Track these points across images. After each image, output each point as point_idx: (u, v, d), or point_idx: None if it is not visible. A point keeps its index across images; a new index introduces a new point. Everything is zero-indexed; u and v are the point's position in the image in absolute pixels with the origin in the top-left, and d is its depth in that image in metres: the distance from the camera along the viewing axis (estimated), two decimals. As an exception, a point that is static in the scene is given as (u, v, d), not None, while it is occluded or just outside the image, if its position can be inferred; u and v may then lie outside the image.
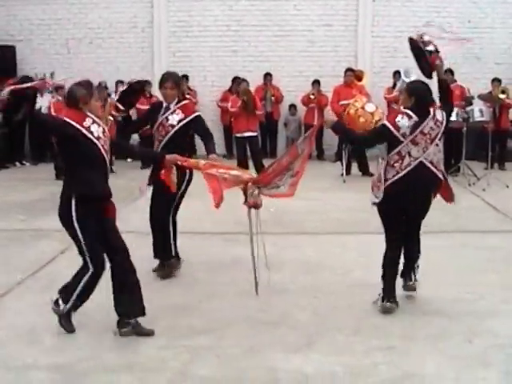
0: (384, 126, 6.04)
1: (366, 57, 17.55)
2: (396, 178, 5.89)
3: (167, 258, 7.10)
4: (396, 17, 17.49)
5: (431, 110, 6.01)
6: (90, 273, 5.46)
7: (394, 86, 15.80)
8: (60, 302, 5.52)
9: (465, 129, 13.22)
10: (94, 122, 5.28)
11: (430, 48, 6.28)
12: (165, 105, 7.05)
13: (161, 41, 17.74)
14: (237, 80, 16.51)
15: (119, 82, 16.96)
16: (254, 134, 13.17)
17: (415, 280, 6.22)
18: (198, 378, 4.64)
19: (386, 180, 5.93)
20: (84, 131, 5.21)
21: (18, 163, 16.43)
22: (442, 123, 6.00)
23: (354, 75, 14.91)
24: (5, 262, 7.54)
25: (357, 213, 9.53)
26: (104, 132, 5.36)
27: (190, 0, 17.69)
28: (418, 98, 5.97)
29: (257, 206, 6.08)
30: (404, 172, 5.89)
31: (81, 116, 5.26)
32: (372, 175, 13.34)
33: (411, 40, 6.60)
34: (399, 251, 6.10)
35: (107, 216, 5.57)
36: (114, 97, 15.81)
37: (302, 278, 6.89)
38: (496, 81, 15.12)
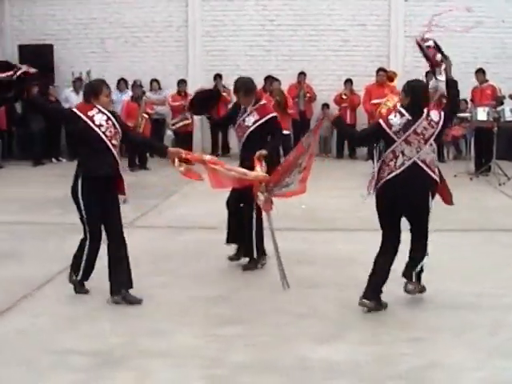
0: (378, 123, 6.13)
1: (399, 56, 17.62)
2: (390, 176, 5.93)
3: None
4: (429, 16, 17.48)
5: (425, 109, 5.96)
6: (87, 243, 6.32)
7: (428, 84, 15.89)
8: (72, 273, 6.32)
9: (496, 128, 13.28)
10: (99, 111, 6.09)
11: (429, 43, 6.50)
12: (243, 106, 7.30)
13: (195, 40, 17.96)
14: (269, 79, 16.71)
15: (154, 81, 17.28)
16: (287, 132, 13.32)
17: (416, 282, 6.06)
18: (231, 364, 4.84)
19: (381, 178, 5.99)
20: (85, 119, 6.02)
21: (54, 159, 16.80)
22: (437, 123, 5.93)
23: (386, 75, 15.05)
24: (43, 254, 7.80)
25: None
26: (108, 120, 6.09)
27: (225, 0, 17.92)
28: (413, 97, 5.98)
29: (266, 210, 6.34)
30: (398, 171, 5.90)
31: (88, 107, 6.11)
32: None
33: (417, 42, 6.70)
34: (390, 255, 6.06)
35: (110, 193, 6.28)
36: (150, 95, 16.23)
37: (332, 272, 7.05)
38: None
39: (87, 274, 6.35)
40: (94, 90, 6.19)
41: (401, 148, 5.90)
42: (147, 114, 15.40)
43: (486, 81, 14.84)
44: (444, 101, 15.57)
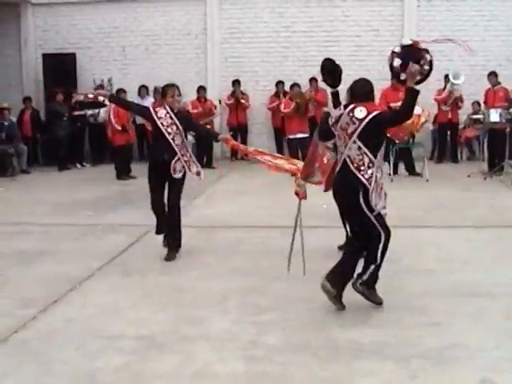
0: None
1: (412, 61, 17.96)
2: (335, 172, 6.18)
3: None
4: (441, 21, 17.87)
5: (352, 105, 5.96)
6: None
7: (445, 87, 16.25)
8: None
9: (508, 129, 13.64)
10: (163, 108, 7.90)
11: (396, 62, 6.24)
12: None
13: (214, 47, 18.40)
14: (280, 83, 17.18)
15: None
16: (306, 135, 13.66)
17: (359, 283, 6.04)
18: (268, 346, 5.26)
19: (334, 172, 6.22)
20: (152, 113, 7.92)
21: (78, 165, 17.27)
22: (360, 121, 5.84)
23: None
24: (81, 252, 8.27)
25: (403, 209, 10.10)
26: (167, 113, 7.84)
27: (242, 8, 18.33)
28: (348, 93, 6.21)
29: (303, 198, 6.76)
30: (338, 167, 6.08)
31: (158, 104, 8.25)
32: (419, 175, 13.92)
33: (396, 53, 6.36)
34: (353, 246, 6.27)
35: (168, 175, 7.88)
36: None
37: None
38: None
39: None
40: (162, 93, 8.08)
41: (336, 141, 6.17)
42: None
43: (499, 83, 15.23)
44: (460, 104, 16.04)
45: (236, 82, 17.51)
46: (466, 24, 17.71)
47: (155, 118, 7.84)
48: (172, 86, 8.02)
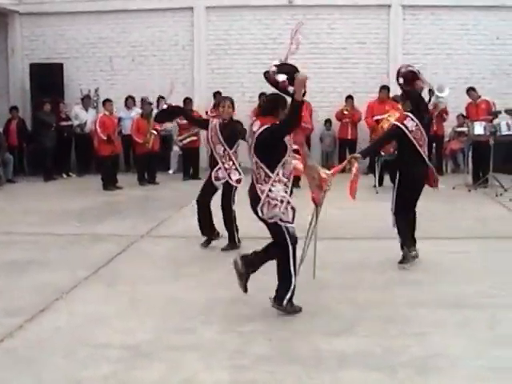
0: None
1: (398, 73, 18.11)
2: None
3: None
4: (425, 34, 18.04)
5: (254, 118, 6.23)
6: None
7: (429, 100, 16.35)
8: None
9: (492, 142, 13.76)
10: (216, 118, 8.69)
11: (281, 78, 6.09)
12: None
13: (200, 58, 18.46)
14: (263, 95, 17.22)
15: (161, 98, 17.74)
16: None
17: (284, 303, 6.18)
18: (254, 356, 5.30)
19: None
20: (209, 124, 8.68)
21: (64, 175, 17.25)
22: (254, 135, 6.03)
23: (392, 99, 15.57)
24: (68, 262, 8.28)
25: (388, 221, 10.16)
26: (215, 124, 8.47)
27: (229, 19, 18.42)
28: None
29: (320, 204, 6.87)
30: None
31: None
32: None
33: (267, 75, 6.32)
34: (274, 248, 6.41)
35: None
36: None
37: (341, 276, 7.54)
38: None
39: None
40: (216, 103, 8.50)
41: None
42: (156, 130, 15.89)
43: (479, 97, 15.37)
44: (445, 116, 16.17)
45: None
46: (450, 37, 17.91)
47: (208, 128, 8.64)
48: (225, 98, 9.02)
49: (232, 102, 8.66)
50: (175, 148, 17.55)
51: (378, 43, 18.24)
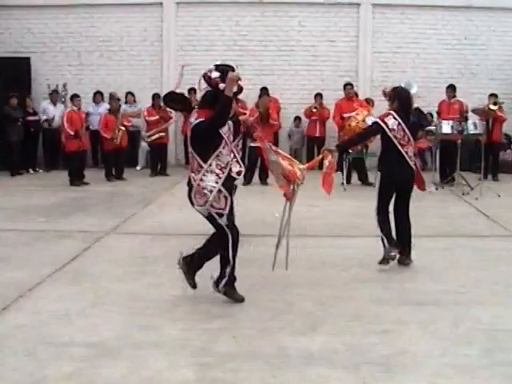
0: None
1: (367, 71, 18.21)
2: None
3: None
4: (395, 33, 18.16)
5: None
6: None
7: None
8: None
9: (459, 141, 13.88)
10: None
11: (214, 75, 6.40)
12: None
13: (170, 54, 18.37)
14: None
15: (129, 94, 17.67)
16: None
17: (221, 286, 6.47)
18: (218, 354, 5.26)
19: None
20: None
21: (31, 170, 17.08)
22: (190, 124, 6.30)
23: (353, 91, 15.62)
24: (32, 258, 8.18)
25: (355, 218, 10.24)
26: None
27: (198, 15, 18.37)
28: None
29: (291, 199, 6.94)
30: None
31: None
32: (371, 184, 14.11)
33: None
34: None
35: None
36: (125, 108, 16.62)
37: (307, 273, 7.54)
38: (493, 96, 15.77)
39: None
40: None
41: None
42: (124, 126, 15.79)
43: (455, 96, 15.50)
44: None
45: (192, 90, 17.39)
46: (419, 37, 18.05)
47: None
48: None
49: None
50: (143, 144, 17.48)
51: (347, 41, 18.32)
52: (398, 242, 7.72)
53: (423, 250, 8.33)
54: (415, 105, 8.15)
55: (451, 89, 15.45)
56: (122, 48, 18.39)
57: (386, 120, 7.59)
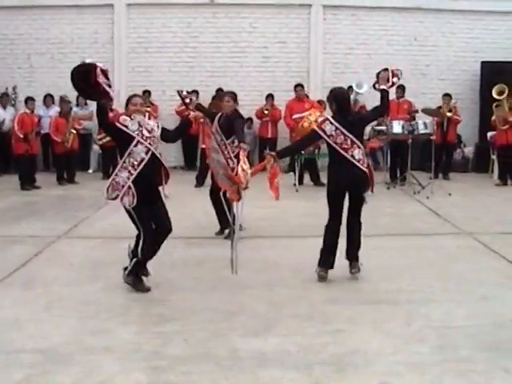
0: None
1: (318, 72, 18.29)
2: None
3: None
4: (346, 34, 18.27)
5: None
6: None
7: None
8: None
9: (410, 141, 14.03)
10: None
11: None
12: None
13: (121, 56, 18.24)
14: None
15: (80, 96, 17.46)
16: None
17: (126, 274, 6.98)
18: (170, 357, 5.25)
19: None
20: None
21: (-19, 175, 16.80)
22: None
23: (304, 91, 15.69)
24: (-18, 265, 8.06)
25: (308, 219, 10.27)
26: None
27: (150, 17, 18.23)
28: None
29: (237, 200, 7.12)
30: None
31: None
32: (323, 185, 14.18)
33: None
34: None
35: None
36: (76, 110, 16.42)
37: (260, 275, 7.54)
38: (447, 96, 15.98)
39: None
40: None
41: None
42: (75, 129, 15.64)
43: (402, 96, 15.70)
44: (363, 112, 16.46)
45: (146, 92, 17.34)
46: (370, 38, 18.20)
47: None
48: (225, 93, 9.81)
49: (231, 97, 9.27)
50: (95, 147, 17.34)
51: (298, 42, 18.37)
52: (347, 249, 7.43)
53: (375, 250, 8.40)
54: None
55: (400, 89, 15.64)
56: (72, 50, 18.10)
57: (322, 127, 7.28)
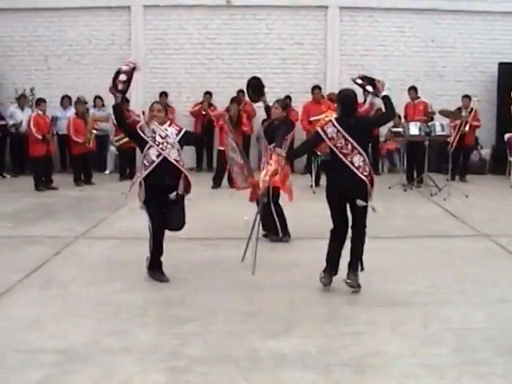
0: None
1: (335, 74, 18.24)
2: None
3: None
4: (363, 36, 18.22)
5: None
6: None
7: (365, 100, 16.51)
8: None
9: (427, 142, 13.97)
10: None
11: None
12: None
13: (138, 58, 18.21)
14: (208, 94, 17.20)
15: (97, 98, 17.54)
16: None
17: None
18: (189, 358, 5.26)
19: None
20: None
21: (-1, 175, 16.89)
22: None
23: (321, 94, 15.66)
24: (1, 265, 8.12)
25: (325, 220, 10.21)
26: None
27: (167, 19, 18.24)
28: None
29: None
30: None
31: None
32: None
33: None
34: None
35: None
36: (93, 112, 16.48)
37: (278, 276, 7.55)
38: (466, 97, 15.76)
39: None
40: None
41: None
42: (95, 129, 15.72)
43: (418, 97, 15.64)
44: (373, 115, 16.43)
45: (163, 94, 17.39)
46: (387, 39, 18.13)
47: None
48: (276, 101, 10.02)
49: (280, 104, 9.71)
50: (111, 148, 17.38)
51: (315, 44, 18.32)
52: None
53: (392, 251, 8.40)
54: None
55: (413, 90, 15.57)
56: (89, 52, 18.22)
57: (325, 128, 7.02)
